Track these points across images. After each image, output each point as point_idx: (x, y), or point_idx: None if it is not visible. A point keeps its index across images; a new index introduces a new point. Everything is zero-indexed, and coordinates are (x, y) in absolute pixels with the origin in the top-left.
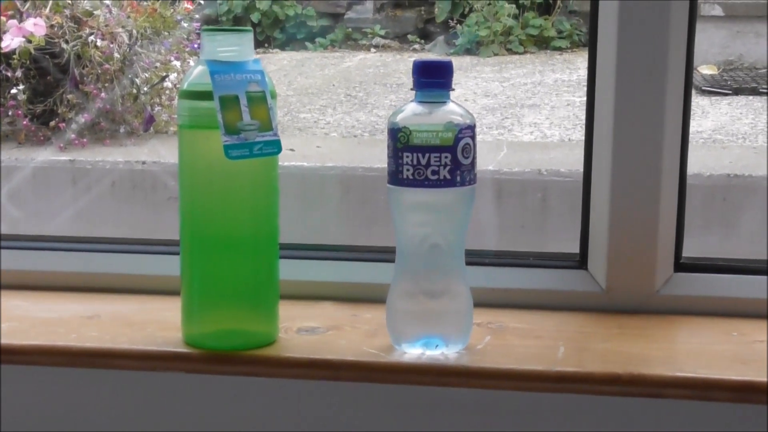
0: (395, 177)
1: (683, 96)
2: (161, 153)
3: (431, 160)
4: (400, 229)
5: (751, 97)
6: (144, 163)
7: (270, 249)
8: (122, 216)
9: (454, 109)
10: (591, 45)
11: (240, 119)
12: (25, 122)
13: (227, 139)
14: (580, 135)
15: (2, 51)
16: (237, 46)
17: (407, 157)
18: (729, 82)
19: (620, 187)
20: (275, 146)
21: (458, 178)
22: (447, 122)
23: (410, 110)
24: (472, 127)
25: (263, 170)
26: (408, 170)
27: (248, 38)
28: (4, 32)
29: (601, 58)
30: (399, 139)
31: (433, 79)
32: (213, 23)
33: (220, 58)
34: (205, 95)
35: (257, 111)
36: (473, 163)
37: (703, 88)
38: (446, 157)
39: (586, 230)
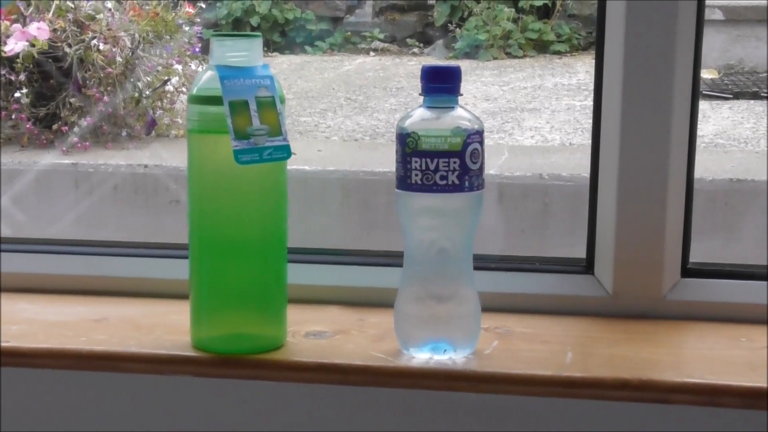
0: (404, 182)
1: (690, 100)
2: (163, 156)
3: (440, 165)
4: (408, 234)
5: (752, 102)
6: (146, 166)
7: (278, 253)
8: (124, 219)
9: (462, 114)
10: (597, 49)
11: (249, 124)
12: (28, 125)
13: (237, 144)
14: (580, 139)
15: (6, 55)
16: (246, 52)
17: (416, 162)
18: (730, 86)
19: (627, 191)
20: (285, 151)
21: (466, 183)
22: (455, 127)
23: (418, 115)
24: (480, 133)
25: (272, 174)
26: (416, 175)
27: (257, 43)
28: (8, 36)
29: (608, 63)
30: (407, 144)
31: (441, 85)
32: (213, 27)
33: (229, 63)
34: (215, 100)
35: (267, 116)
36: (481, 169)
37: (704, 92)
38: (455, 163)
39: (592, 235)
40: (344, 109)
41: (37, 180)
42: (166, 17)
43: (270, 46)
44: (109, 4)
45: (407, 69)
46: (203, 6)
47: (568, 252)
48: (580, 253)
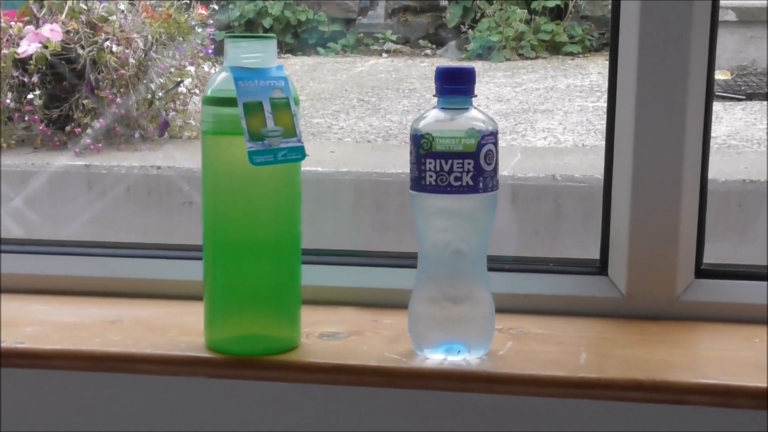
0: (418, 183)
1: (704, 101)
2: (176, 158)
3: (454, 167)
4: (423, 235)
5: (765, 103)
6: (159, 168)
7: (292, 254)
8: (137, 221)
9: (476, 115)
10: (612, 50)
11: (264, 125)
12: (41, 127)
13: (251, 146)
14: (593, 140)
15: (19, 56)
16: (261, 53)
17: (430, 163)
18: (743, 88)
19: (641, 192)
20: (299, 152)
21: (481, 185)
22: (469, 129)
23: (433, 117)
24: (494, 134)
25: (286, 176)
26: (431, 176)
27: (272, 45)
28: (21, 38)
29: (622, 63)
30: (422, 146)
31: (455, 86)
32: (225, 29)
33: (244, 65)
34: (229, 101)
35: (281, 117)
36: (495, 170)
37: (717, 93)
38: (469, 164)
39: (606, 236)
40: (357, 111)
41: (50, 181)
42: (178, 19)
43: (282, 48)
44: (122, 6)
45: (420, 70)
46: (216, 8)
47: (582, 253)
48: (594, 254)
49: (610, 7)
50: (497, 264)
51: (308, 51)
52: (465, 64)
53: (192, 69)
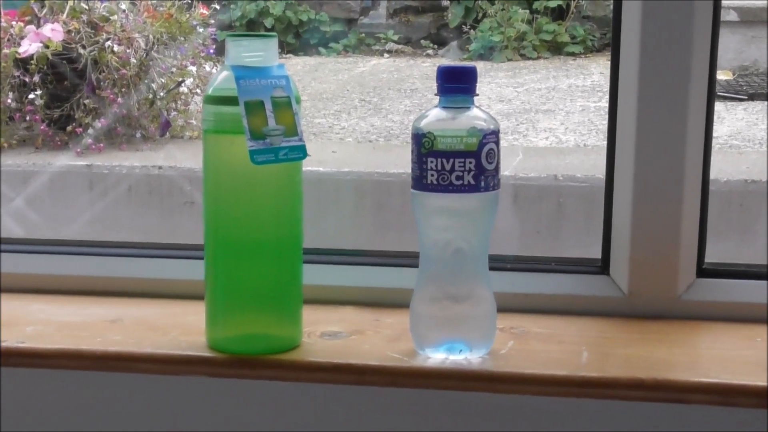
0: (419, 182)
1: (706, 101)
2: (177, 158)
3: (455, 166)
4: (424, 234)
5: (766, 103)
6: (160, 167)
7: (294, 253)
8: (138, 221)
9: (478, 114)
10: (613, 50)
11: (265, 124)
12: (42, 127)
13: (252, 144)
14: (595, 140)
15: (20, 56)
16: (262, 52)
17: (431, 162)
18: (744, 88)
19: (643, 192)
20: (300, 151)
21: (482, 184)
22: (471, 127)
23: (434, 115)
24: (496, 133)
25: (287, 175)
26: (432, 175)
27: (273, 44)
28: (22, 38)
29: (624, 63)
30: (423, 145)
31: (457, 85)
32: (227, 29)
33: (245, 64)
34: (230, 100)
35: (282, 116)
36: (497, 169)
37: (719, 93)
38: (470, 163)
39: (608, 235)
40: (358, 111)
41: (52, 181)
42: (180, 18)
43: (284, 48)
44: (123, 6)
45: (421, 70)
46: (217, 7)
47: (584, 252)
48: (596, 253)
49: (611, 7)
50: (499, 263)
51: (310, 51)
52: (467, 63)
53: (193, 69)
